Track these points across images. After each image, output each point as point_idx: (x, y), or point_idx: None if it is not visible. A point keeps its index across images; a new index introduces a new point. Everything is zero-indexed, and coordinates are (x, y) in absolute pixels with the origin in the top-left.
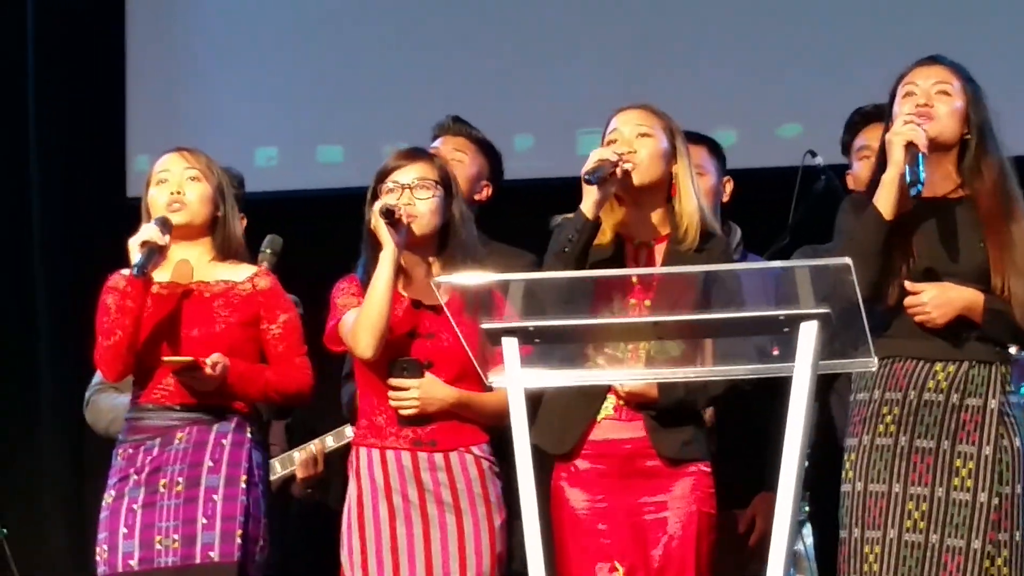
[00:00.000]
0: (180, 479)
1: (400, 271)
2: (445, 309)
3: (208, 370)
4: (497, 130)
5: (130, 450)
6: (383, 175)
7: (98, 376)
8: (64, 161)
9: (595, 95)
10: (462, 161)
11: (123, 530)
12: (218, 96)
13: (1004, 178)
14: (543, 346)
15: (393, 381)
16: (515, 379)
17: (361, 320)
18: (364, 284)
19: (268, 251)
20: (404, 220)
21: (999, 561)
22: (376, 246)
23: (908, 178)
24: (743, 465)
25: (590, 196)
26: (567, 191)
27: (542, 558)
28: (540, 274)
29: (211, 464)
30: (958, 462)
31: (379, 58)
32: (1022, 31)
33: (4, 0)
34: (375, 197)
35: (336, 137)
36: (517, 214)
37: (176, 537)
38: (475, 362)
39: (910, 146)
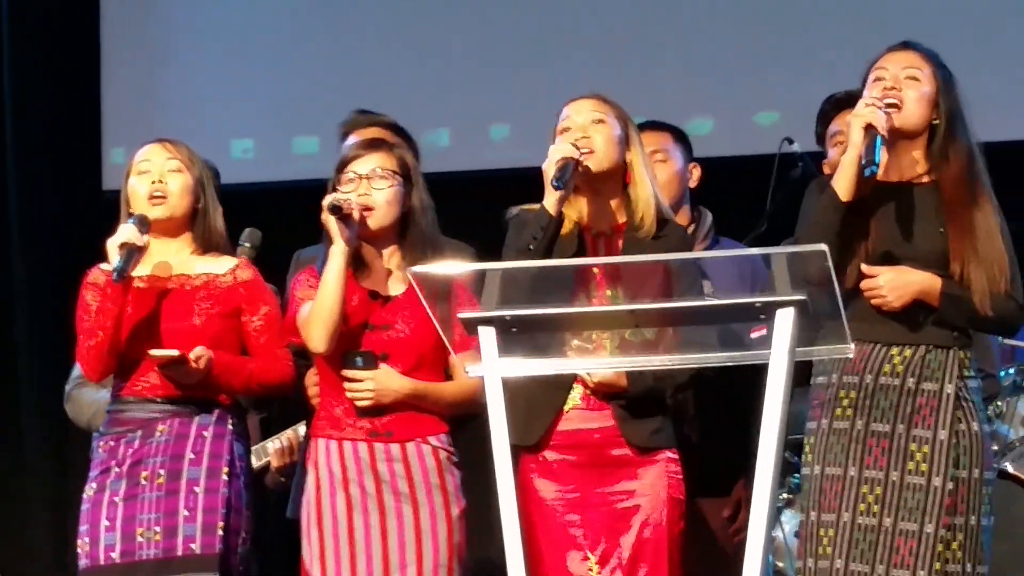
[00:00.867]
0: (161, 471)
1: (359, 262)
2: (421, 298)
3: (192, 363)
4: (473, 120)
5: (111, 442)
6: (342, 166)
7: (77, 370)
8: (40, 154)
9: (572, 84)
10: None
11: (104, 523)
12: (193, 88)
13: (971, 164)
14: (514, 336)
15: (347, 373)
16: (492, 368)
17: (313, 315)
18: (321, 275)
19: (247, 245)
20: (355, 214)
21: (954, 545)
22: (331, 240)
23: (863, 159)
24: (726, 452)
25: (553, 195)
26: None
27: (520, 547)
28: (514, 263)
29: (192, 456)
30: (913, 446)
31: (354, 49)
32: (997, 19)
33: None
34: (334, 188)
35: (312, 128)
36: (494, 203)
37: (158, 529)
38: (451, 351)
39: (869, 128)
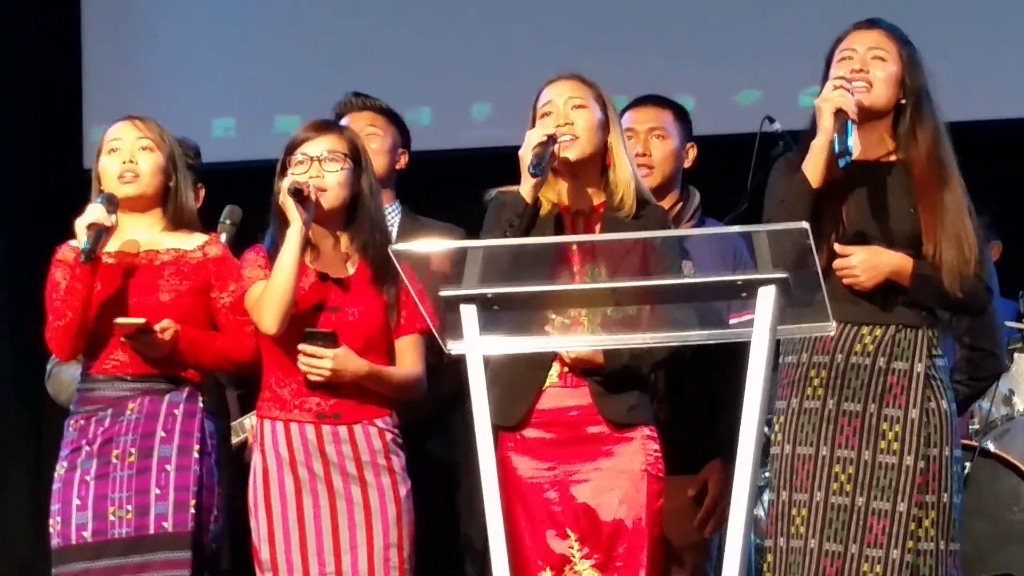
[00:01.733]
0: (132, 450)
1: (308, 244)
2: (403, 276)
3: (158, 335)
4: (455, 98)
5: (81, 421)
6: (292, 147)
7: None
8: (21, 133)
9: (555, 63)
10: (377, 134)
11: (76, 501)
12: (175, 67)
13: (938, 144)
14: (495, 315)
15: (306, 348)
16: (474, 346)
17: (267, 296)
18: (271, 255)
19: (227, 222)
20: (312, 198)
21: (926, 523)
22: (284, 221)
23: (836, 148)
24: (697, 431)
25: (529, 181)
26: None
27: (502, 528)
28: (496, 241)
29: (163, 434)
30: (884, 425)
31: (335, 27)
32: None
33: None
34: (284, 169)
35: (293, 107)
36: (477, 183)
37: (129, 508)
38: (433, 329)
39: (839, 113)
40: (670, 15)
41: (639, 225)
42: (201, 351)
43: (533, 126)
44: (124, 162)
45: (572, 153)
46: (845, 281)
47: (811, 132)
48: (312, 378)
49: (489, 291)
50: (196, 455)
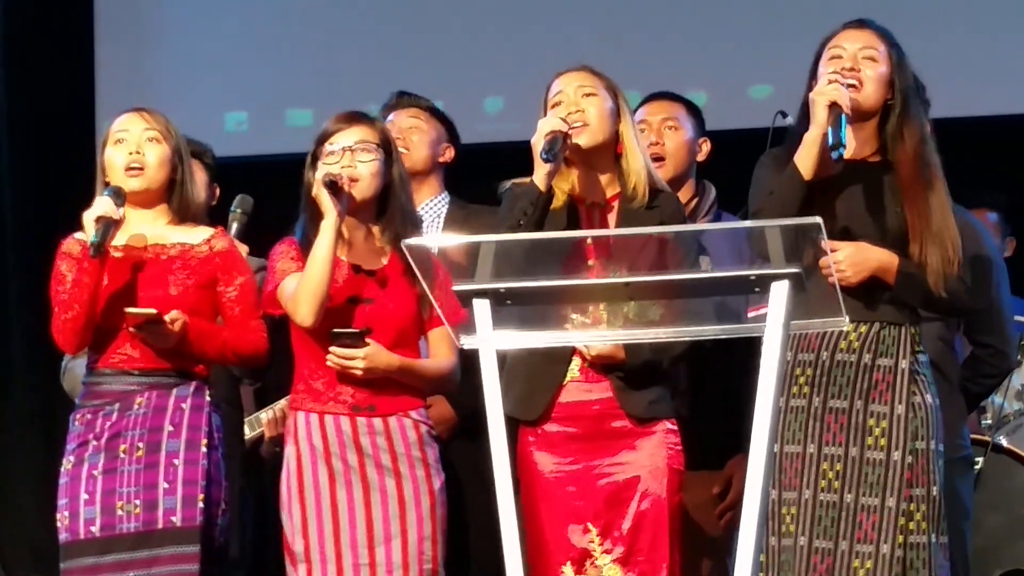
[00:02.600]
0: (140, 444)
1: (340, 236)
2: (414, 268)
3: (168, 325)
4: (467, 92)
5: (88, 415)
6: (323, 138)
7: None
8: (34, 127)
9: (566, 57)
10: (420, 128)
11: (84, 496)
12: (187, 61)
13: (924, 145)
14: (509, 309)
15: (337, 351)
16: (487, 341)
17: (302, 289)
18: (303, 248)
19: (239, 211)
20: (346, 189)
21: (917, 516)
22: (316, 212)
23: (830, 140)
24: (720, 425)
25: (543, 168)
26: None
27: (515, 522)
28: (509, 236)
29: (171, 429)
30: (871, 421)
31: (347, 21)
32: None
33: None
34: (315, 160)
35: (305, 101)
36: (488, 176)
37: (137, 503)
38: (445, 322)
39: (833, 106)
40: (683, 10)
41: (653, 214)
42: (207, 343)
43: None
44: (130, 153)
45: (583, 140)
46: (830, 279)
47: (799, 127)
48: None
49: (502, 286)
50: (204, 449)
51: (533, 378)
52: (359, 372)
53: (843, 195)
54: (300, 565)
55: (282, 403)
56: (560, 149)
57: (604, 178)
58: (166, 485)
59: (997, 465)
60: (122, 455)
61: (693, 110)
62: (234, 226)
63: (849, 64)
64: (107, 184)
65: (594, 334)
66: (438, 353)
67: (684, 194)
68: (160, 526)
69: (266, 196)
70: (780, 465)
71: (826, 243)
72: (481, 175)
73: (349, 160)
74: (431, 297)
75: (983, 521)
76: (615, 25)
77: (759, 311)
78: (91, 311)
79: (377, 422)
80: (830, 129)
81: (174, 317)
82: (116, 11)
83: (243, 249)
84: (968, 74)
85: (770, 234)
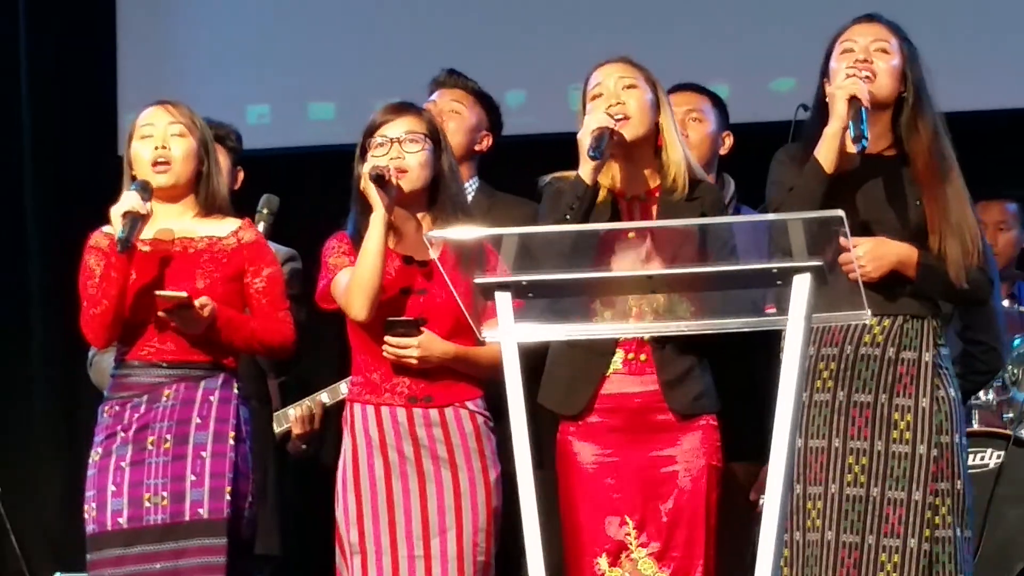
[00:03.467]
0: (168, 436)
1: (390, 228)
2: (437, 264)
3: (198, 309)
4: (489, 86)
5: (116, 407)
6: (371, 130)
7: None
8: (55, 118)
9: (587, 50)
10: (460, 113)
11: (111, 488)
12: (209, 54)
13: (938, 137)
14: (545, 302)
15: (391, 340)
16: (508, 334)
17: (354, 283)
18: (355, 241)
19: (264, 211)
20: (394, 182)
21: (943, 510)
22: (366, 205)
23: (852, 133)
24: (746, 419)
25: (589, 163)
26: (560, 147)
27: (536, 513)
28: (530, 228)
29: (199, 421)
30: (896, 415)
31: (369, 14)
32: None
33: None
34: (364, 152)
35: (328, 94)
36: (509, 170)
37: (165, 495)
38: (468, 316)
39: (853, 100)
40: (705, 2)
41: (694, 206)
42: (235, 332)
43: (584, 110)
44: (156, 148)
45: (626, 133)
46: (851, 275)
47: (813, 122)
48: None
49: (524, 278)
50: (232, 441)
51: (575, 371)
52: (413, 361)
53: (861, 189)
54: (355, 556)
55: (311, 400)
56: (607, 145)
57: (645, 171)
58: (193, 477)
59: (1019, 459)
60: (150, 447)
61: (718, 102)
62: (260, 226)
63: (862, 56)
64: (134, 179)
65: (616, 327)
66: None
67: None
68: (187, 518)
69: (288, 189)
70: (804, 460)
71: (846, 238)
72: (503, 169)
73: (397, 151)
74: (454, 291)
75: (1005, 514)
76: (637, 18)
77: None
78: (119, 306)
79: (433, 413)
80: (851, 123)
81: (203, 302)
82: (138, 4)
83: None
84: (978, 67)
85: (792, 227)
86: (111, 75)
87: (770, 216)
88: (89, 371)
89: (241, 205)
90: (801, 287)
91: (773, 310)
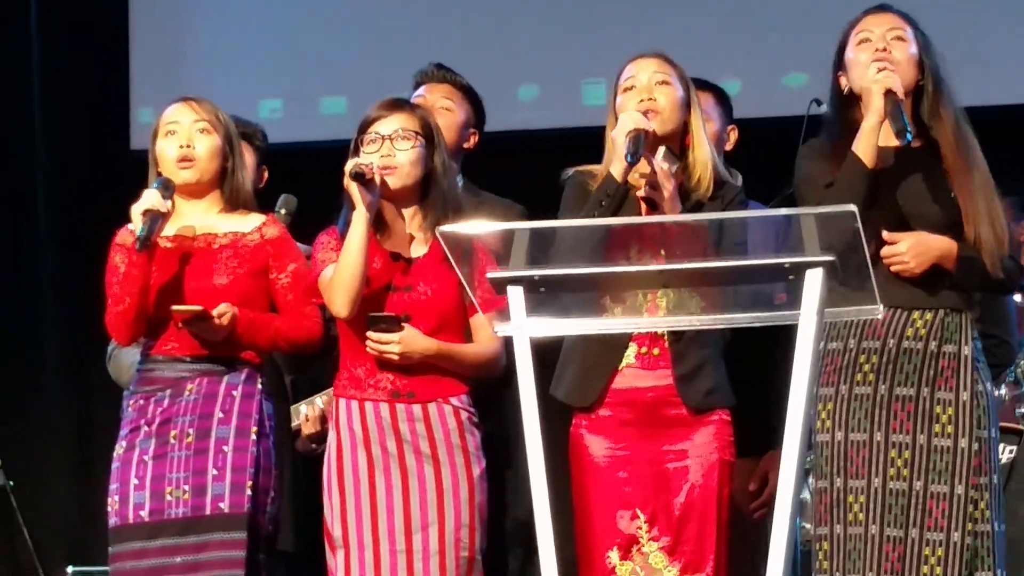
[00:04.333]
0: (190, 430)
1: (380, 223)
2: (449, 257)
3: (216, 320)
4: (502, 80)
5: (140, 401)
6: (364, 126)
7: None
8: (68, 114)
9: (600, 45)
10: (451, 110)
11: (134, 481)
12: (221, 48)
13: (960, 124)
14: (558, 296)
15: (373, 335)
16: (520, 328)
17: (336, 280)
18: (343, 236)
19: (283, 211)
20: (376, 179)
21: (982, 504)
22: (353, 203)
23: (895, 127)
24: (753, 414)
25: (623, 162)
26: (572, 141)
27: (548, 508)
28: (541, 223)
29: (221, 415)
30: (938, 408)
31: (381, 8)
32: None
33: None
34: (357, 148)
35: (340, 88)
36: (522, 164)
37: (186, 488)
38: (479, 309)
39: (889, 94)
40: None
41: (716, 206)
42: (259, 334)
43: (614, 103)
44: (181, 146)
45: (656, 126)
46: (894, 268)
47: (833, 116)
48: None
49: (536, 273)
50: (254, 436)
51: (588, 364)
52: (395, 357)
53: (897, 183)
54: (338, 550)
55: (319, 399)
56: (643, 147)
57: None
58: (215, 472)
59: None
60: (172, 441)
61: (721, 97)
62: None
63: (881, 45)
64: (159, 175)
65: (629, 321)
66: (480, 338)
67: None
68: (208, 512)
69: (301, 184)
70: (846, 453)
71: (887, 235)
72: (515, 162)
73: (388, 148)
74: (465, 283)
75: (1017, 510)
76: (650, 12)
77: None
78: (142, 303)
79: (416, 408)
80: (891, 117)
81: (222, 311)
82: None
83: None
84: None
85: (804, 222)
86: (123, 71)
87: (782, 211)
88: (108, 365)
89: (264, 200)
90: (813, 282)
91: (784, 300)
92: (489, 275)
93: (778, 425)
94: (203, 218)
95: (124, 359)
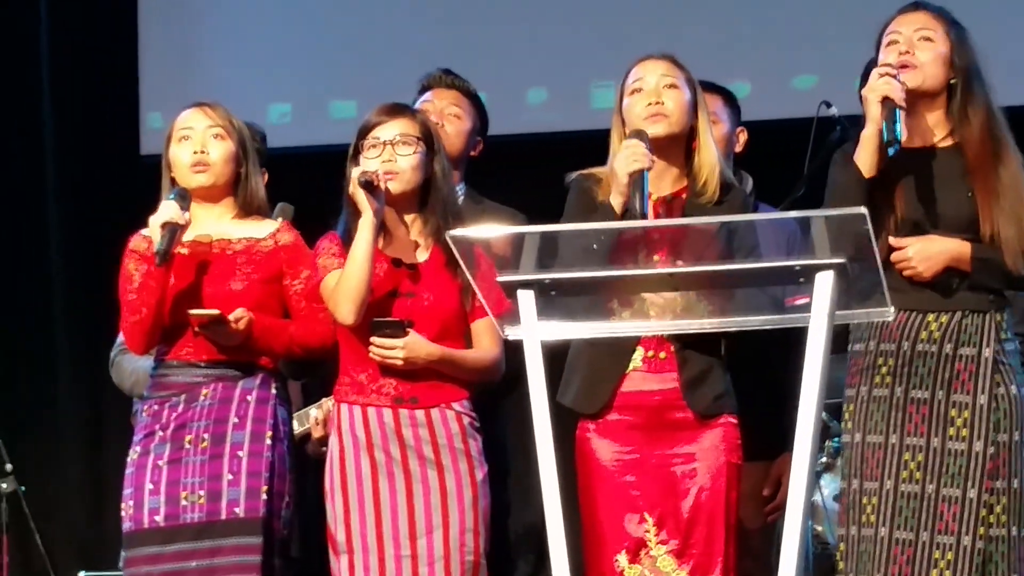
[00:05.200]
0: (205, 435)
1: (381, 230)
2: (459, 260)
3: (232, 325)
4: (511, 83)
5: (155, 406)
6: (364, 131)
7: (121, 336)
8: (78, 119)
9: (609, 48)
10: (460, 116)
11: (148, 486)
12: (231, 53)
13: (991, 122)
14: (566, 300)
15: (377, 340)
16: (531, 332)
17: (342, 287)
18: (345, 242)
19: (279, 220)
20: (382, 187)
21: (998, 509)
22: (356, 208)
23: (885, 136)
24: (764, 418)
25: (621, 196)
26: (581, 144)
27: (560, 513)
28: (551, 227)
29: (236, 420)
30: (953, 412)
31: (390, 11)
32: None
33: None
34: (356, 153)
35: (349, 92)
36: (531, 167)
37: (201, 493)
38: (490, 312)
39: (886, 101)
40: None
41: (722, 210)
42: (273, 338)
43: (620, 103)
44: (195, 151)
45: (660, 129)
46: (904, 272)
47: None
48: (389, 364)
49: (547, 276)
50: (269, 441)
51: (595, 370)
52: (399, 362)
53: (912, 186)
54: (342, 555)
55: (328, 402)
56: (646, 187)
57: (673, 172)
58: (230, 476)
59: None
60: (187, 446)
61: (730, 100)
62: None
63: (905, 47)
64: (173, 181)
65: (637, 324)
66: (481, 344)
67: None
68: (223, 517)
69: (310, 188)
70: (862, 455)
71: (893, 240)
72: (524, 165)
73: (389, 154)
74: (475, 287)
75: None
76: (659, 15)
77: (798, 300)
78: (158, 314)
79: (419, 414)
80: (884, 124)
81: (238, 316)
82: (160, 4)
83: None
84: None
85: (815, 225)
86: (133, 76)
87: (791, 213)
88: (110, 370)
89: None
90: (824, 284)
91: (794, 302)
92: (500, 279)
93: (790, 428)
94: (217, 224)
95: (126, 365)
